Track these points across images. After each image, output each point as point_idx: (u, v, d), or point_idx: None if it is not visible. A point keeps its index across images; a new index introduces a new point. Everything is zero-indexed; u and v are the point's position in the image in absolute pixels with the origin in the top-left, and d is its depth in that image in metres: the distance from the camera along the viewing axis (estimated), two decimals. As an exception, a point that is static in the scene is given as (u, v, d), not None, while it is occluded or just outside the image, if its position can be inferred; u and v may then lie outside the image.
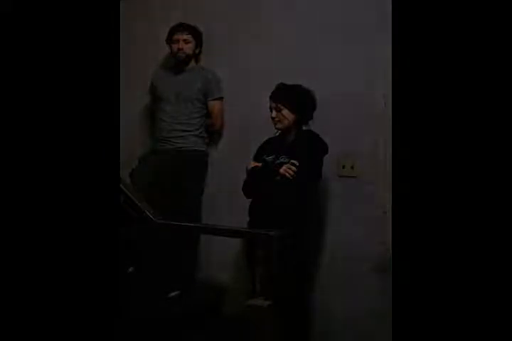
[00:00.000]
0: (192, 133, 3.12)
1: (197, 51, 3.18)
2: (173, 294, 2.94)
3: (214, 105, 3.14)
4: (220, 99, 3.14)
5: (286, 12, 3.03)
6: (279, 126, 2.58)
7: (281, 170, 2.45)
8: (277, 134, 2.65)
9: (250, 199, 2.61)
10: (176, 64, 3.19)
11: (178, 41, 3.11)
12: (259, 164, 2.58)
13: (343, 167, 2.82)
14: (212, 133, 3.20)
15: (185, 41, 3.11)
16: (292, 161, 2.45)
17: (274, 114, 2.56)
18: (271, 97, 2.58)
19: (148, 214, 2.13)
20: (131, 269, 2.43)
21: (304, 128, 2.62)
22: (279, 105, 2.54)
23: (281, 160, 2.51)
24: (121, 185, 2.04)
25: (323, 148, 2.55)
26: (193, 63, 3.19)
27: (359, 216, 2.75)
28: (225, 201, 3.06)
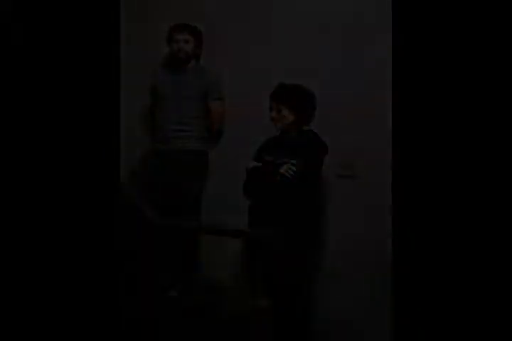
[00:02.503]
0: (192, 133, 3.11)
1: (197, 51, 3.18)
2: (172, 294, 2.94)
3: (214, 105, 3.14)
4: (221, 99, 3.14)
5: (286, 12, 3.03)
6: (279, 125, 2.58)
7: (281, 170, 2.44)
8: (277, 134, 2.65)
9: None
10: (176, 64, 3.18)
11: (178, 41, 3.10)
12: (259, 164, 2.58)
13: (343, 167, 2.82)
14: (212, 133, 3.20)
15: (186, 41, 3.10)
16: (292, 161, 2.45)
17: (274, 113, 2.56)
18: (271, 97, 2.58)
19: (148, 214, 2.14)
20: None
21: (304, 128, 2.62)
22: (279, 105, 2.54)
23: (282, 160, 2.51)
24: (121, 186, 2.04)
25: (324, 148, 2.55)
26: (193, 63, 3.19)
27: (359, 216, 2.75)
28: (225, 201, 3.06)
